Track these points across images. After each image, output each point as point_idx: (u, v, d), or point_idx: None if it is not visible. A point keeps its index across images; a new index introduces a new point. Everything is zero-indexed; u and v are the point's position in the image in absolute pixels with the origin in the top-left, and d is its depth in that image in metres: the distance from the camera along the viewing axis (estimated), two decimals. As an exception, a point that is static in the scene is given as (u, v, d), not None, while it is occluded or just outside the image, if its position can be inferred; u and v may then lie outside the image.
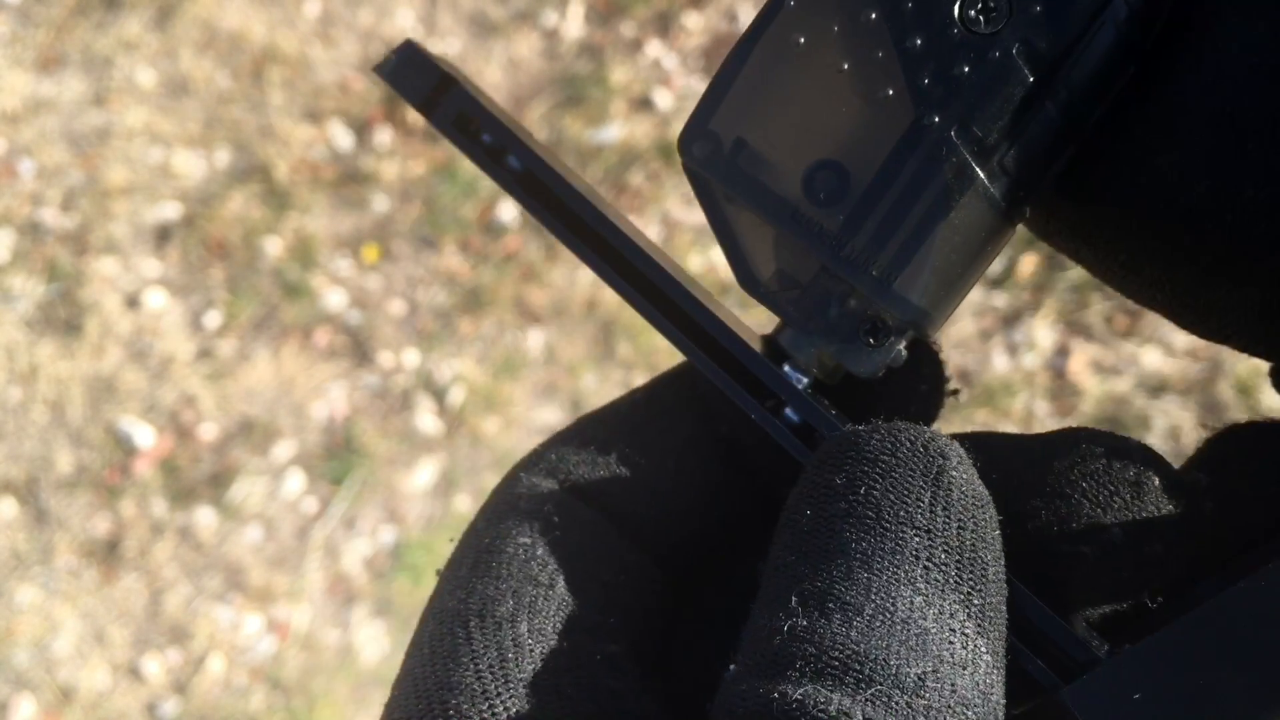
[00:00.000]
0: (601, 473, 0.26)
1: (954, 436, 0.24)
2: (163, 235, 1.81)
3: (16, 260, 1.81)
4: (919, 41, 0.22)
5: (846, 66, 0.23)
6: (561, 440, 0.27)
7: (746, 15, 1.79)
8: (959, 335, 1.61)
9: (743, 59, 0.24)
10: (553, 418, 1.69)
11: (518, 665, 0.22)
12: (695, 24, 1.84)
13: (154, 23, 1.90)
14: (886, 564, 0.20)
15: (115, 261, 1.80)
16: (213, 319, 1.77)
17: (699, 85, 1.80)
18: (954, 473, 0.21)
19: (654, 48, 1.83)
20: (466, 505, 1.67)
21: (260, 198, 1.81)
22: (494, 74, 1.84)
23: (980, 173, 0.22)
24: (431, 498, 1.68)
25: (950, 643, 0.19)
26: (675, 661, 0.25)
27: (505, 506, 0.25)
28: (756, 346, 0.25)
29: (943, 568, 0.20)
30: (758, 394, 0.25)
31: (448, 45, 1.85)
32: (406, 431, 1.70)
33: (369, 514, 1.68)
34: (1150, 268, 0.24)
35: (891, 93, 0.22)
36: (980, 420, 1.58)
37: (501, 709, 0.21)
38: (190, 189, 1.82)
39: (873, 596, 0.20)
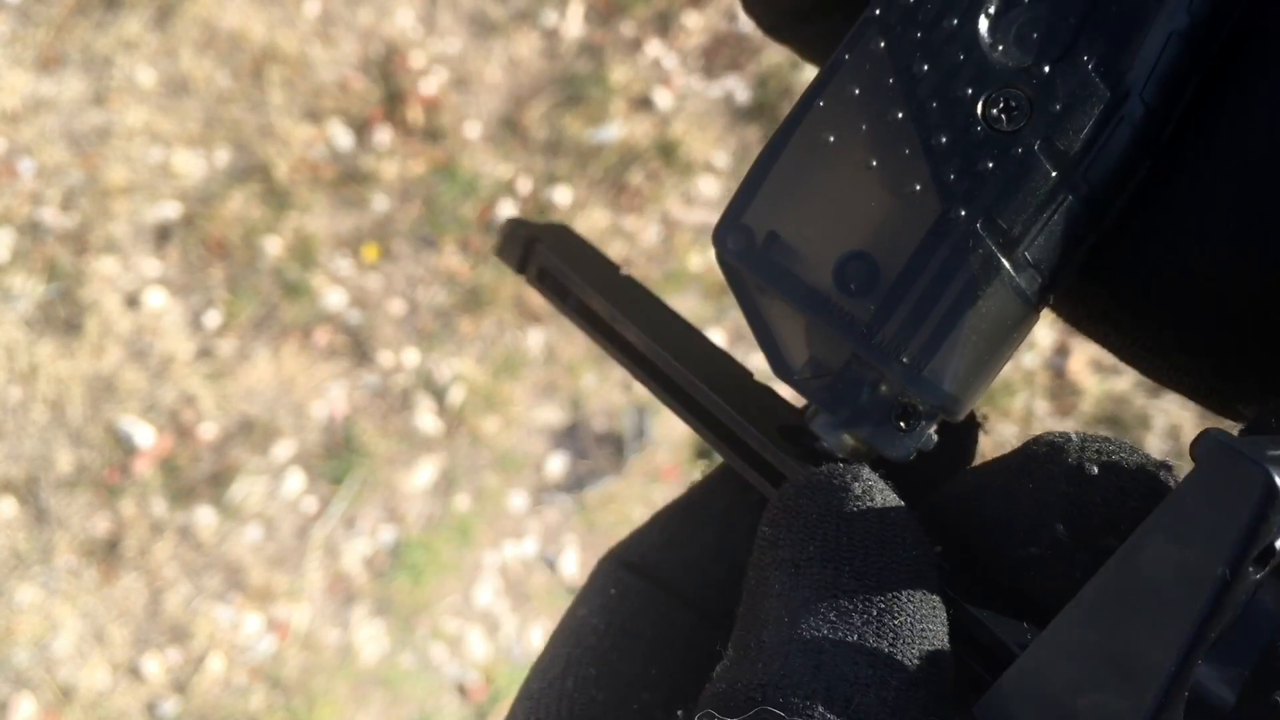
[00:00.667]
0: (656, 550, 0.29)
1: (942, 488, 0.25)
2: (163, 235, 1.81)
3: (16, 260, 1.81)
4: (944, 139, 0.23)
5: (875, 163, 0.24)
6: (635, 532, 0.30)
7: (746, 15, 1.79)
8: (959, 335, 1.61)
9: (775, 156, 0.25)
10: (553, 417, 1.69)
11: (559, 715, 0.25)
12: (695, 24, 1.84)
13: (154, 22, 1.90)
14: (800, 599, 0.21)
15: (115, 261, 1.80)
16: (213, 318, 1.77)
17: (699, 85, 1.81)
18: (857, 503, 0.22)
19: (654, 47, 1.83)
20: (466, 505, 1.67)
21: (260, 197, 1.81)
22: (494, 73, 1.84)
23: (1005, 263, 0.23)
24: (431, 497, 1.68)
25: (854, 663, 0.20)
26: None
27: (581, 593, 0.29)
28: (772, 425, 0.27)
29: (850, 594, 0.21)
30: (762, 471, 0.27)
31: (447, 44, 1.85)
32: (406, 431, 1.70)
33: (369, 513, 1.68)
34: (1177, 356, 0.25)
35: (919, 188, 0.24)
36: (980, 420, 1.58)
37: None
38: (190, 188, 1.82)
39: (781, 630, 0.21)
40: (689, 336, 0.30)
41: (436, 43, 1.85)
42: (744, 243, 0.25)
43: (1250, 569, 0.19)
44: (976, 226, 0.23)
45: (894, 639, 0.21)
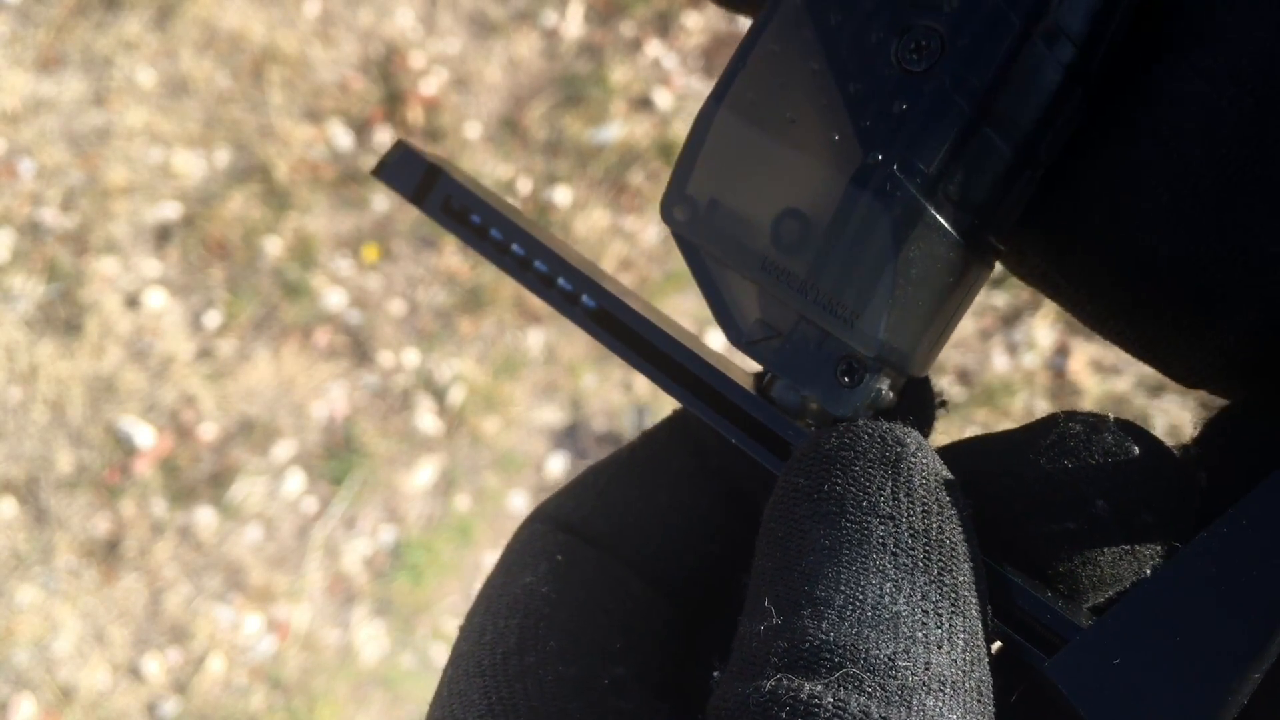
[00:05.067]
0: (600, 514, 0.27)
1: (943, 447, 0.25)
2: (163, 235, 1.81)
3: (16, 260, 1.81)
4: (860, 86, 0.23)
5: (796, 119, 0.24)
6: (562, 492, 0.28)
7: (746, 16, 1.79)
8: (959, 335, 1.61)
9: (708, 123, 0.25)
10: (553, 417, 1.69)
11: (525, 694, 0.23)
12: (695, 24, 1.84)
13: (154, 23, 1.90)
14: (854, 555, 0.20)
15: (115, 261, 1.80)
16: (213, 319, 1.77)
17: (699, 85, 1.80)
18: (913, 459, 0.22)
19: (654, 47, 1.83)
20: (466, 505, 1.67)
21: (260, 198, 1.81)
22: (494, 74, 1.84)
23: (928, 205, 0.23)
24: (431, 497, 1.68)
25: (923, 623, 0.20)
26: (687, 684, 0.26)
27: (513, 555, 0.27)
28: (740, 380, 0.26)
29: (910, 551, 0.21)
30: (733, 418, 0.26)
31: (447, 45, 1.85)
32: (406, 431, 1.70)
33: (369, 514, 1.68)
34: (1118, 320, 0.25)
35: (838, 138, 0.23)
36: (980, 420, 1.58)
37: None
38: (190, 189, 1.82)
39: (841, 588, 0.20)
40: (622, 288, 0.29)
41: (436, 43, 1.85)
42: (689, 212, 0.25)
43: None
44: (894, 169, 0.23)
45: (955, 597, 0.20)
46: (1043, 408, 1.56)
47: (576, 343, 1.69)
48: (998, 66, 0.22)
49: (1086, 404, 1.56)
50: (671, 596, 0.27)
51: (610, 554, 0.26)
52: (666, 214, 0.26)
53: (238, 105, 1.85)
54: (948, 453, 0.25)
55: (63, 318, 1.79)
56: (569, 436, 1.68)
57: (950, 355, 1.61)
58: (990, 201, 0.23)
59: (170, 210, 1.82)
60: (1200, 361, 0.24)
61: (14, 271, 1.80)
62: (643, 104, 1.81)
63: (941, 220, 0.23)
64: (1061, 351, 1.60)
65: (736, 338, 0.26)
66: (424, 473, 1.69)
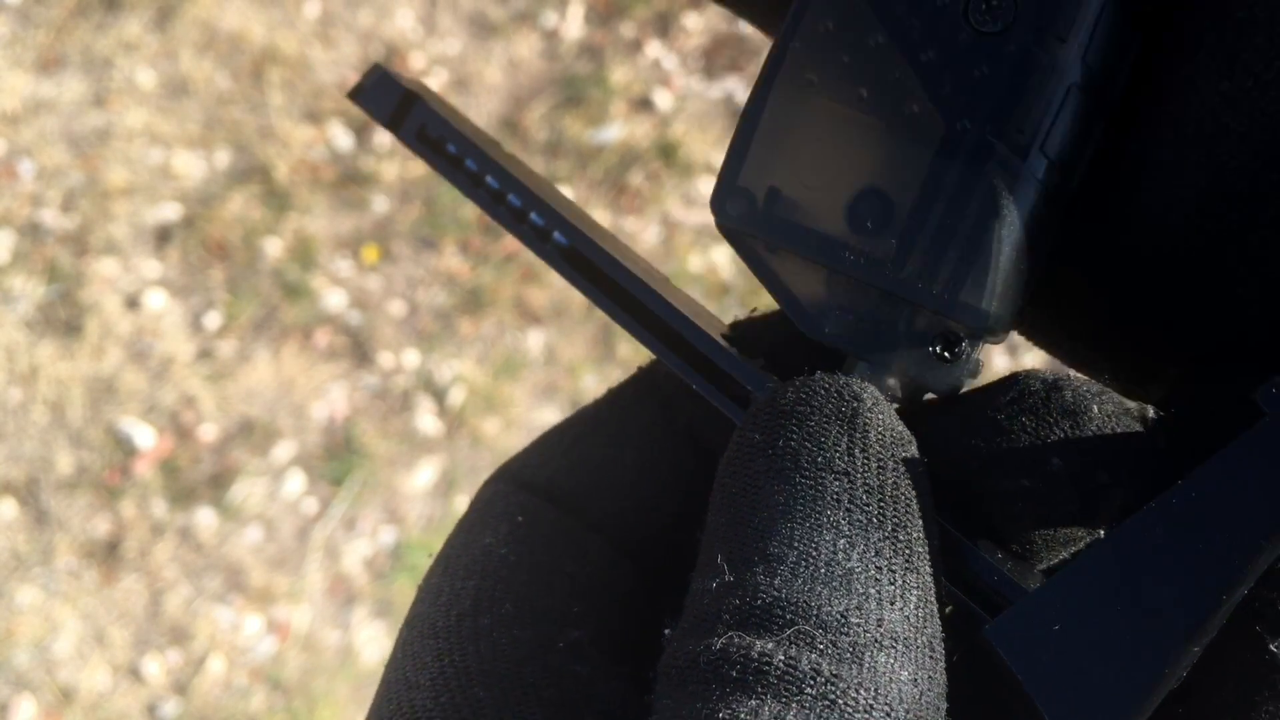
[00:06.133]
0: (564, 473, 0.27)
1: (906, 409, 0.24)
2: (163, 236, 1.81)
3: (16, 261, 1.81)
4: (932, 54, 0.22)
5: (865, 94, 0.23)
6: (527, 450, 0.27)
7: (747, 20, 1.78)
8: (959, 335, 1.61)
9: (760, 107, 0.24)
10: (553, 418, 1.69)
11: (478, 657, 0.22)
12: (695, 24, 1.84)
13: (154, 23, 1.90)
14: (808, 511, 0.20)
15: (115, 262, 1.80)
16: (213, 320, 1.77)
17: (699, 85, 1.80)
18: (869, 414, 0.21)
19: (654, 48, 1.83)
20: (466, 505, 1.67)
21: (260, 198, 1.81)
22: (494, 74, 1.84)
23: (1022, 168, 0.22)
24: (432, 498, 1.68)
25: (876, 580, 0.20)
26: (650, 646, 0.25)
27: (475, 516, 0.26)
28: (709, 327, 0.25)
29: (864, 508, 0.20)
30: (699, 367, 0.25)
31: (447, 46, 1.85)
32: (406, 432, 1.70)
33: (369, 514, 1.68)
34: (1088, 368, 0.25)
35: (916, 109, 0.23)
36: (980, 420, 1.58)
37: (463, 700, 0.21)
38: (190, 190, 1.82)
39: (795, 544, 0.20)
40: (596, 225, 0.28)
41: (436, 44, 1.85)
42: (744, 206, 0.24)
43: None
44: (987, 135, 0.22)
45: (908, 554, 0.20)
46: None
47: (577, 343, 1.69)
48: (1081, 15, 0.21)
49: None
50: (636, 557, 0.26)
51: (574, 515, 0.26)
52: (719, 209, 0.25)
53: (238, 106, 1.85)
54: (918, 409, 0.24)
55: (63, 319, 1.79)
56: (569, 437, 1.68)
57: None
58: (1076, 154, 0.23)
59: (170, 211, 1.82)
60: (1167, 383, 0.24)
61: (14, 272, 1.80)
62: (643, 105, 1.81)
63: (1036, 181, 0.22)
64: (1062, 352, 1.60)
65: (815, 330, 0.25)
66: (424, 474, 1.69)
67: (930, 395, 0.25)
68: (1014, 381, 0.24)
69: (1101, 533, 0.23)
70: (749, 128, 0.24)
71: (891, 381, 0.25)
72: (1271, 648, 0.20)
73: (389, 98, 0.28)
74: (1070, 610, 0.20)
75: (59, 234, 1.81)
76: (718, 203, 0.25)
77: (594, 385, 1.68)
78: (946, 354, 0.24)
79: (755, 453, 0.21)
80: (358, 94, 0.28)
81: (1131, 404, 0.23)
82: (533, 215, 0.26)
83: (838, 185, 0.23)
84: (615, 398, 0.28)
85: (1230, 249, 0.22)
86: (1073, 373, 0.24)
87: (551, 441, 0.27)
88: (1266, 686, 0.20)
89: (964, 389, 0.24)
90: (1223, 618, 0.19)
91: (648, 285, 0.25)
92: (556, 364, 1.70)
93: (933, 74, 0.22)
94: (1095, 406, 0.22)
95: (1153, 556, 0.19)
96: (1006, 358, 1.59)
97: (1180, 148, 0.22)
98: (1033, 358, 1.58)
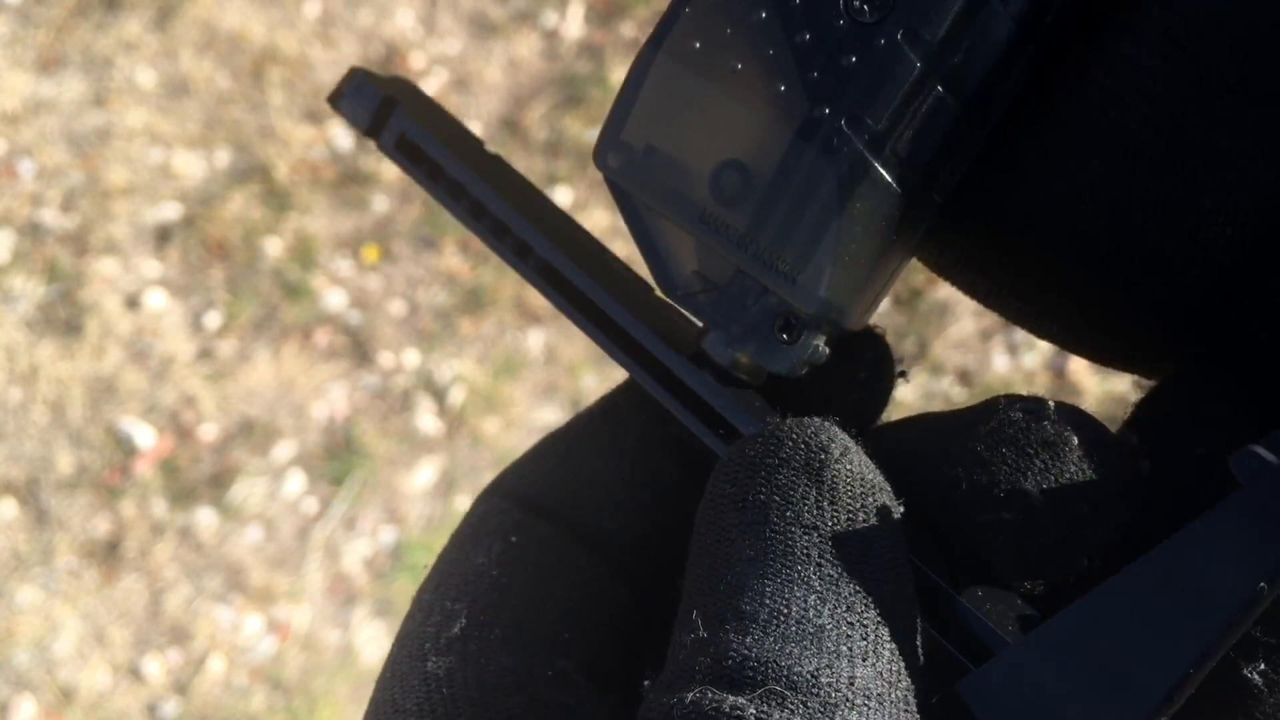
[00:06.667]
0: (558, 486, 0.27)
1: (885, 425, 0.25)
2: (163, 236, 1.81)
3: (17, 261, 1.81)
4: (807, 36, 0.22)
5: (740, 67, 0.23)
6: (522, 461, 0.28)
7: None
8: (959, 335, 1.61)
9: (646, 68, 0.24)
10: (553, 418, 1.69)
11: (465, 685, 0.22)
12: (695, 24, 1.84)
13: (154, 23, 1.90)
14: (778, 567, 0.20)
15: (115, 262, 1.80)
16: (213, 319, 1.77)
17: (699, 85, 1.81)
18: (837, 465, 0.21)
19: (654, 48, 1.83)
20: (466, 505, 1.67)
21: (260, 198, 1.81)
22: (494, 74, 1.84)
23: (874, 161, 0.22)
24: (432, 498, 1.68)
25: (848, 636, 0.20)
26: (639, 671, 0.25)
27: (469, 531, 0.26)
28: (687, 350, 0.25)
29: (835, 562, 0.20)
30: (683, 396, 0.25)
31: (447, 45, 1.85)
32: (407, 432, 1.70)
33: (369, 514, 1.68)
34: (1045, 298, 0.24)
35: (784, 88, 0.23)
36: (980, 420, 1.58)
37: None
38: (190, 189, 1.82)
39: (766, 601, 0.20)
40: (579, 233, 0.28)
41: (436, 44, 1.85)
42: (623, 158, 0.24)
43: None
44: (841, 124, 0.22)
45: (880, 608, 0.20)
46: (1043, 408, 1.56)
47: (576, 344, 1.69)
48: (950, 19, 0.21)
49: (1086, 404, 1.56)
50: (628, 574, 0.26)
51: (568, 531, 0.26)
52: (600, 159, 0.25)
53: (238, 106, 1.85)
54: (893, 430, 0.24)
55: (63, 318, 1.79)
56: (569, 437, 1.68)
57: (950, 355, 1.61)
58: (937, 159, 0.23)
59: (170, 211, 1.82)
60: (1129, 335, 0.24)
61: (14, 272, 1.80)
62: (643, 104, 1.81)
63: (887, 178, 0.22)
64: (1062, 352, 1.59)
65: (670, 289, 0.25)
66: (424, 473, 1.69)
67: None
68: (995, 408, 0.23)
69: (1084, 562, 0.22)
70: (636, 84, 0.24)
71: (739, 356, 0.25)
72: (1245, 673, 0.20)
73: (368, 103, 0.27)
74: (1044, 669, 0.20)
75: (59, 234, 1.81)
76: (600, 152, 0.25)
77: (594, 385, 1.68)
78: (785, 335, 0.24)
79: (728, 505, 0.21)
80: (336, 100, 0.28)
81: (1113, 433, 0.23)
82: (514, 230, 0.26)
83: (706, 153, 0.24)
84: (607, 407, 0.28)
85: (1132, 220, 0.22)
86: (1053, 401, 0.23)
87: (545, 452, 0.28)
88: (1242, 713, 0.20)
89: (799, 374, 0.24)
90: (1193, 687, 0.19)
91: (625, 309, 0.25)
92: (556, 364, 1.70)
93: (804, 57, 0.22)
94: (1075, 437, 0.22)
95: (1127, 621, 0.19)
96: (1007, 357, 1.59)
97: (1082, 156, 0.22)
98: (1032, 358, 1.58)
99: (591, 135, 1.79)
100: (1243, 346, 0.23)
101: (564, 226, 0.28)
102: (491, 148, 0.29)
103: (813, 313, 0.23)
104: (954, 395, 1.59)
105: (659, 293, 0.27)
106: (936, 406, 1.59)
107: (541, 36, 1.85)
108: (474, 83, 1.84)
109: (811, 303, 0.23)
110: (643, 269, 0.27)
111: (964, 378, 1.60)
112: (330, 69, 1.85)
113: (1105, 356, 0.25)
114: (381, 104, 0.27)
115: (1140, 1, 0.21)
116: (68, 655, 1.65)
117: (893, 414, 0.27)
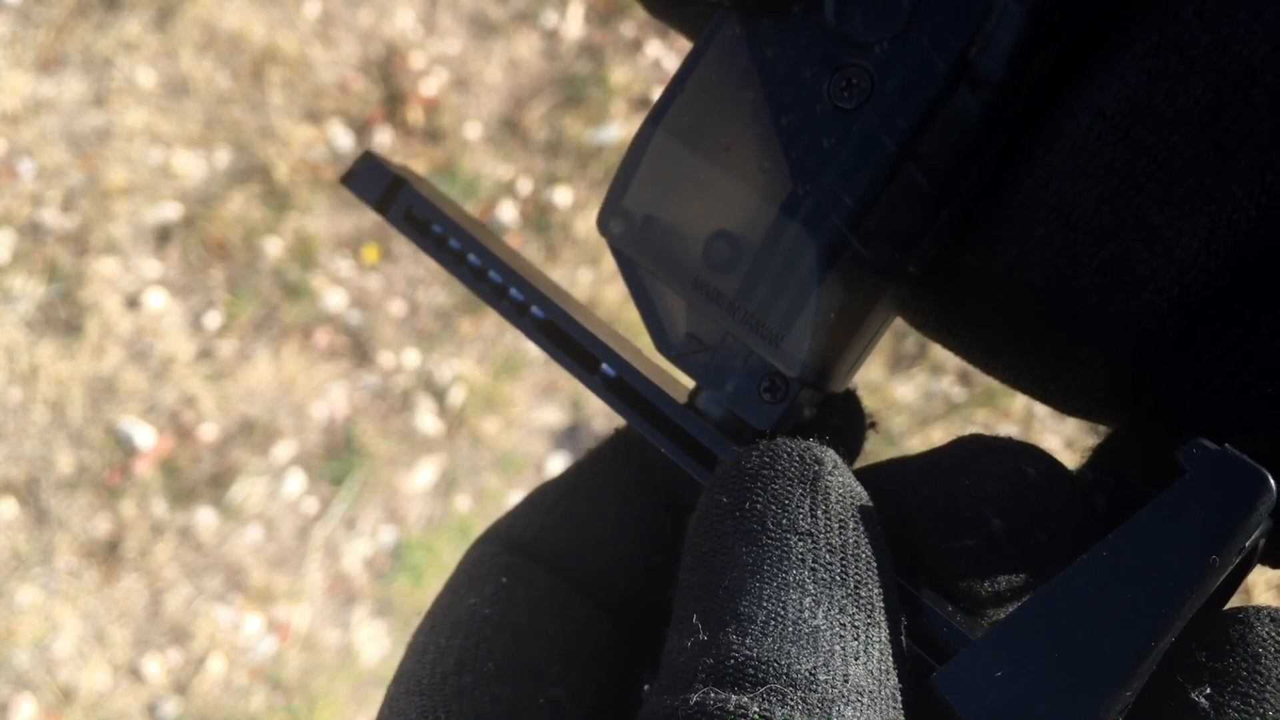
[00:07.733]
0: (548, 532, 0.28)
1: (858, 471, 0.26)
2: (163, 235, 1.81)
3: (17, 261, 1.81)
4: (793, 119, 0.24)
5: (730, 145, 0.25)
6: (514, 510, 0.29)
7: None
8: (959, 335, 1.61)
9: (645, 143, 0.26)
10: (553, 418, 1.69)
11: (460, 714, 0.24)
12: (695, 24, 1.84)
13: (154, 23, 1.90)
14: (775, 571, 0.21)
15: (115, 262, 1.80)
16: (213, 319, 1.77)
17: (699, 85, 1.81)
18: (830, 477, 0.23)
19: (654, 48, 1.83)
20: (467, 505, 1.67)
21: (260, 198, 1.81)
22: (494, 74, 1.84)
23: (851, 237, 0.24)
24: (432, 498, 1.68)
25: (841, 636, 0.21)
26: (627, 702, 0.26)
27: (461, 576, 0.28)
28: (675, 394, 0.27)
29: (828, 566, 0.22)
30: (666, 431, 0.27)
31: (447, 45, 1.85)
32: (407, 432, 1.70)
33: (369, 514, 1.68)
34: (1007, 354, 0.26)
35: (770, 166, 0.25)
36: (980, 420, 1.58)
37: None
38: (190, 189, 1.82)
39: (764, 604, 0.21)
40: (572, 299, 0.30)
41: (436, 44, 1.85)
42: (624, 225, 0.26)
43: (1220, 566, 0.20)
44: (820, 202, 0.24)
45: (870, 610, 0.21)
46: (1043, 408, 1.56)
47: (577, 343, 1.69)
48: (923, 109, 0.23)
49: (1069, 425, 1.55)
50: (615, 613, 0.28)
51: (557, 574, 0.27)
52: (603, 225, 0.27)
53: (238, 106, 1.85)
54: (870, 471, 0.26)
55: (63, 318, 1.79)
56: (569, 437, 1.68)
57: (950, 356, 1.60)
58: (911, 235, 0.25)
59: (170, 211, 1.82)
60: (1083, 390, 0.26)
61: (14, 272, 1.80)
62: (643, 104, 1.81)
63: (864, 253, 0.24)
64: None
65: (666, 349, 0.27)
66: (424, 473, 1.69)
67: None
68: (961, 444, 0.25)
69: None
70: (637, 155, 0.26)
71: (727, 410, 0.27)
72: (1193, 696, 0.21)
73: (378, 182, 0.30)
74: (1011, 657, 0.21)
75: (59, 234, 1.81)
76: (603, 219, 0.27)
77: (594, 385, 1.68)
78: (768, 395, 0.26)
79: (724, 514, 0.23)
80: (349, 179, 0.30)
81: (1068, 467, 0.25)
82: (512, 291, 0.29)
83: (700, 223, 0.26)
84: (595, 458, 0.30)
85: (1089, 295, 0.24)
86: (1014, 438, 0.25)
87: (536, 501, 0.29)
88: None
89: (781, 431, 0.26)
90: (1153, 663, 0.20)
91: (620, 356, 0.27)
92: (556, 364, 1.70)
93: (789, 137, 0.24)
94: (1032, 469, 0.24)
95: (1086, 606, 0.20)
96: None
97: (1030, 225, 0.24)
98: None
99: (592, 135, 1.79)
100: (1179, 406, 0.24)
101: (558, 292, 0.30)
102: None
103: (795, 375, 0.25)
104: (954, 395, 1.59)
105: (645, 351, 0.29)
106: (936, 406, 1.59)
107: (541, 36, 1.85)
108: (474, 83, 1.84)
109: (794, 366, 0.25)
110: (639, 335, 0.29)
111: (964, 378, 1.60)
112: (330, 69, 1.86)
113: (1068, 408, 0.27)
114: (391, 182, 0.30)
115: (1079, 79, 0.23)
116: (68, 655, 1.65)
117: (893, 415, 0.28)
